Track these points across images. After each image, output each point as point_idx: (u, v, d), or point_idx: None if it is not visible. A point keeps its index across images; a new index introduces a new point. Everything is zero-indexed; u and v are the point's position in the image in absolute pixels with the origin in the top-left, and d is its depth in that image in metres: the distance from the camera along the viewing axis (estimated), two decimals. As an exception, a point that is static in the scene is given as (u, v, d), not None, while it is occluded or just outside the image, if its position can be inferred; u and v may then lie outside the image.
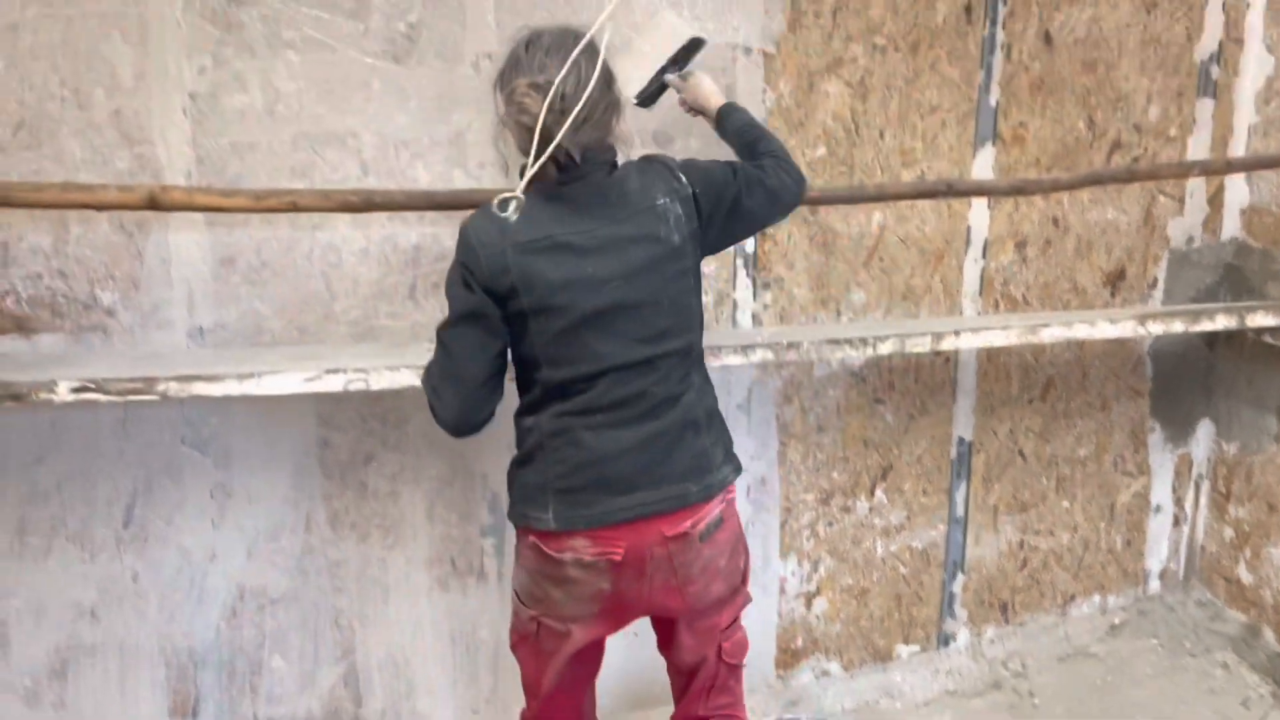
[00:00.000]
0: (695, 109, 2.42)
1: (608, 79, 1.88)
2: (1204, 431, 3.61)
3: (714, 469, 2.00)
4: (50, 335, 2.43)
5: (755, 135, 2.22)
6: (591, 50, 1.85)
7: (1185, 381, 3.53)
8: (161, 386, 2.10)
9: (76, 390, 2.05)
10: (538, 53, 1.83)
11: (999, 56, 3.05)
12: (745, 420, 3.07)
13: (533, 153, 1.79)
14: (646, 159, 1.98)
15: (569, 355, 1.87)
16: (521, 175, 1.85)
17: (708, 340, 2.68)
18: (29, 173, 2.34)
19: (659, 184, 1.92)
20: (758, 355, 2.58)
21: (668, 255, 1.90)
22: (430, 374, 1.98)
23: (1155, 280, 3.38)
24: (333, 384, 2.23)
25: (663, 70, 2.40)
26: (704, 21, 2.78)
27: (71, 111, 2.35)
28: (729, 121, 2.27)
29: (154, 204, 2.03)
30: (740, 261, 2.97)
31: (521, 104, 1.82)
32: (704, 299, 2.94)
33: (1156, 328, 2.88)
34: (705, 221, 1.97)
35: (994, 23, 3.03)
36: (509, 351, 1.96)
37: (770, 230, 2.96)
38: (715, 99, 2.36)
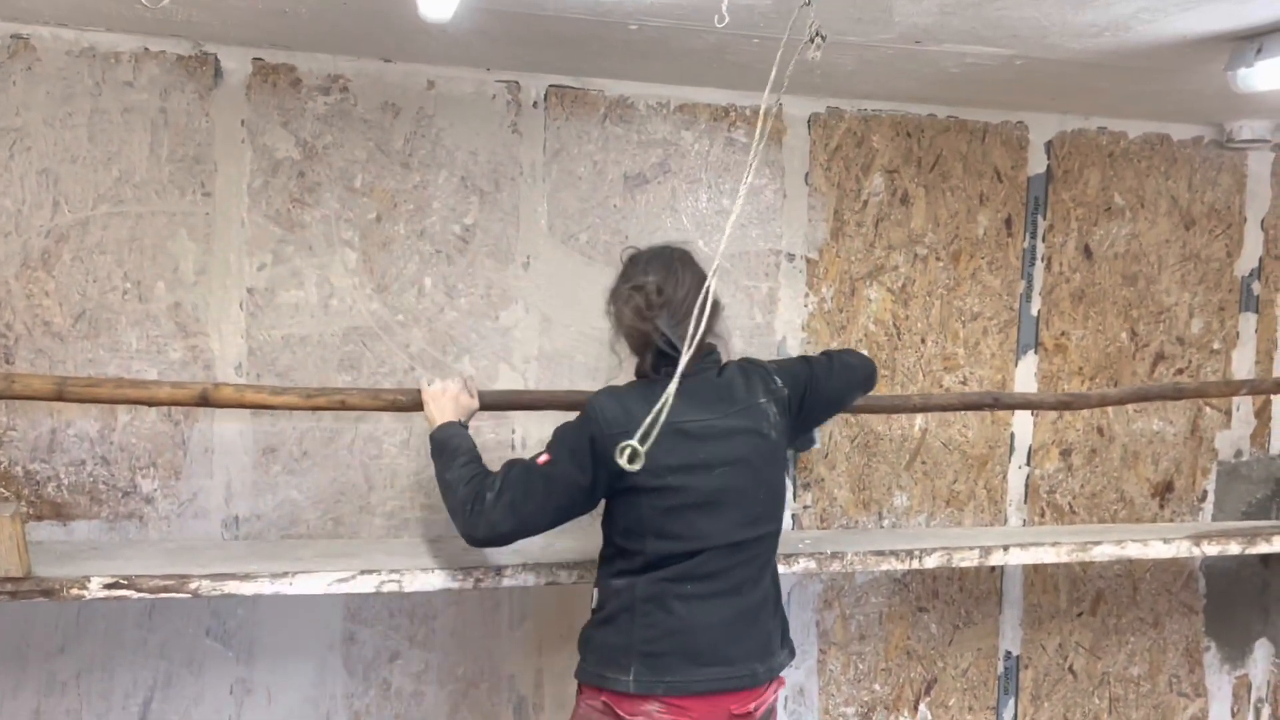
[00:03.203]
0: None
1: (701, 282, 2.01)
2: (1262, 652, 3.45)
3: (775, 652, 2.10)
4: (87, 522, 2.42)
5: None
6: (686, 259, 2.08)
7: (1240, 599, 3.40)
8: (194, 584, 2.07)
9: (109, 587, 2.02)
10: (639, 264, 2.07)
11: (1039, 267, 3.09)
12: (783, 626, 2.97)
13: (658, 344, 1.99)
14: (748, 362, 2.16)
15: (675, 530, 1.98)
16: (639, 375, 2.05)
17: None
18: (84, 362, 2.38)
19: (759, 386, 2.10)
20: (800, 565, 2.51)
21: (768, 449, 2.07)
22: (491, 488, 2.01)
23: (1205, 494, 3.30)
24: (365, 585, 2.19)
25: None
26: (748, 228, 2.85)
27: (132, 303, 2.41)
28: None
29: (205, 401, 2.05)
30: (780, 461, 2.93)
31: (625, 302, 2.02)
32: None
33: (1212, 549, 2.79)
34: (793, 417, 2.16)
35: (1034, 235, 3.08)
36: (612, 521, 2.05)
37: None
38: None
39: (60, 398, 2.03)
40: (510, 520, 2.01)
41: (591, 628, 2.07)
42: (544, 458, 2.01)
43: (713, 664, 1.98)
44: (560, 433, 2.04)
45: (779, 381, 2.13)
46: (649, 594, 1.98)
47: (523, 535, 2.06)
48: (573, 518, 2.06)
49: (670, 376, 1.98)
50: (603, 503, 2.06)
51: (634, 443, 1.59)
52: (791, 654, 2.16)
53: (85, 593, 2.02)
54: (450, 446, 2.10)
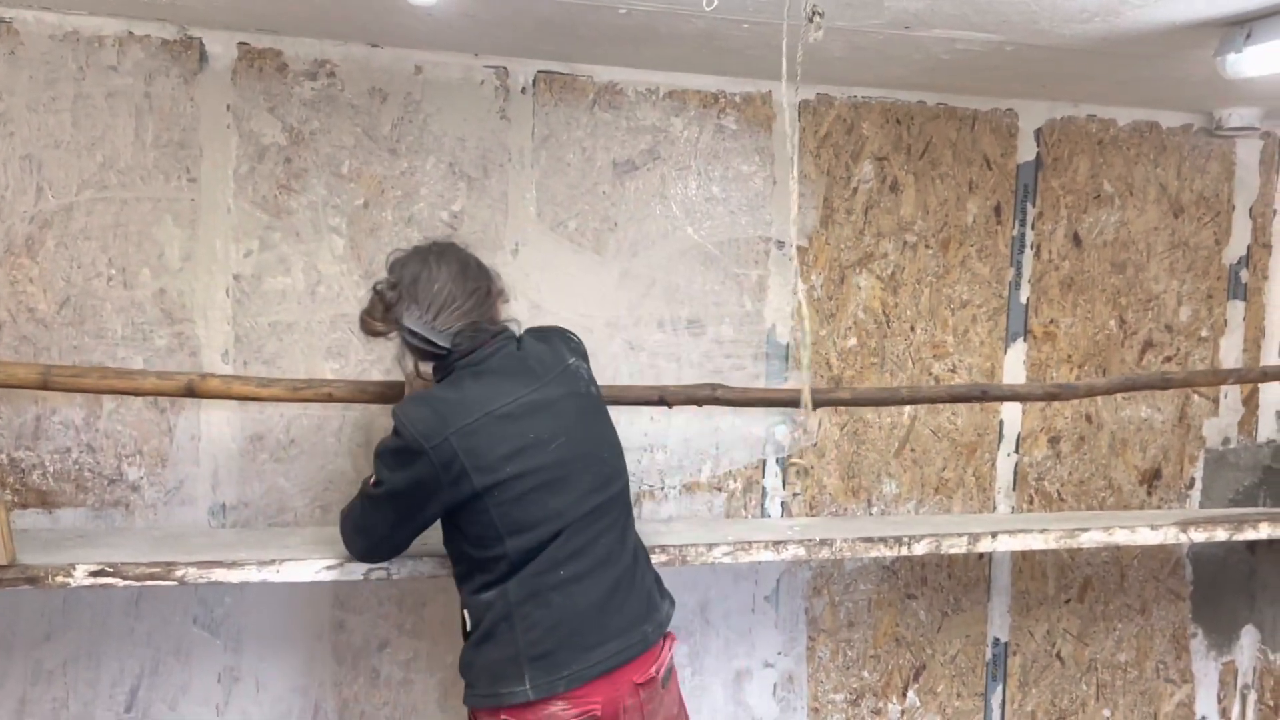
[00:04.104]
0: None
1: (469, 270, 1.99)
2: (1248, 639, 3.46)
3: (658, 606, 2.04)
4: (72, 510, 2.41)
5: None
6: (445, 251, 2.00)
7: (1227, 586, 3.42)
8: (180, 572, 2.05)
9: (94, 574, 2.00)
10: (389, 269, 2.01)
11: (1029, 255, 3.09)
12: (773, 613, 2.98)
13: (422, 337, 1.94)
14: (540, 329, 2.10)
15: (529, 519, 1.90)
16: (437, 378, 1.98)
17: (738, 531, 2.62)
18: (69, 348, 2.36)
19: (562, 346, 2.05)
20: (790, 552, 2.51)
21: (592, 406, 2.02)
22: (348, 519, 2.05)
23: (1192, 481, 3.31)
24: (354, 572, 2.17)
25: None
26: (737, 215, 2.84)
27: (117, 290, 2.39)
28: None
29: (191, 392, 2.04)
30: (770, 448, 2.93)
31: (367, 312, 1.97)
32: (733, 485, 2.91)
33: (1199, 535, 2.79)
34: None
35: (1023, 223, 3.08)
36: (460, 536, 1.96)
37: (800, 419, 2.94)
38: None
39: (45, 387, 2.01)
40: (361, 543, 2.04)
41: (471, 649, 1.95)
42: (372, 480, 1.94)
43: (605, 641, 1.91)
44: (379, 451, 1.94)
45: (574, 339, 2.09)
46: (523, 595, 1.89)
47: (385, 554, 2.09)
48: (428, 527, 1.99)
49: (458, 370, 1.93)
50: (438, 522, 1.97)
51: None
52: (672, 603, 2.08)
53: (71, 581, 2.00)
54: None
